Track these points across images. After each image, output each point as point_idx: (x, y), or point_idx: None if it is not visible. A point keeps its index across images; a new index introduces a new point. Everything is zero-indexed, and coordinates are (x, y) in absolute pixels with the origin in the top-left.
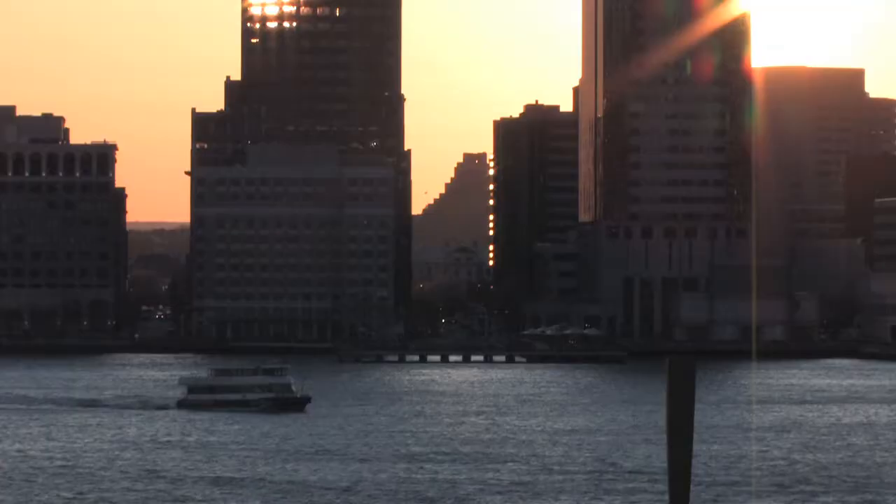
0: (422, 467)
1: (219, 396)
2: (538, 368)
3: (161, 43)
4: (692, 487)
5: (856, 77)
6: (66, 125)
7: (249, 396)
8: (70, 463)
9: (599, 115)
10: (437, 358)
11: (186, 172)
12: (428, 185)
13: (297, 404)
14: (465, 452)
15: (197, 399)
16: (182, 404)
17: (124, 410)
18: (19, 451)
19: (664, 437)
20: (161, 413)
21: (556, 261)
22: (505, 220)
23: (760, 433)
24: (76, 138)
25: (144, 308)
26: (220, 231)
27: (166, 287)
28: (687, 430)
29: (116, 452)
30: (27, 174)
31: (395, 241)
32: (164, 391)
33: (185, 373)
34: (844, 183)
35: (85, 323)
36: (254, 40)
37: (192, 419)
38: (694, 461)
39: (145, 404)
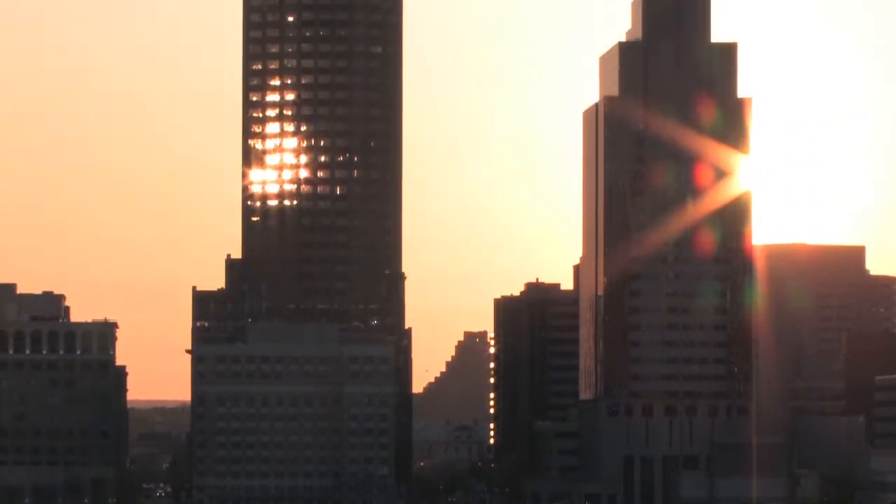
0: None
1: None
2: None
3: (161, 221)
4: None
5: (856, 254)
6: (67, 303)
7: None
8: None
9: (600, 293)
10: None
11: (187, 350)
12: (429, 363)
13: None
14: None
15: None
16: None
17: None
18: None
19: None
20: None
21: (556, 439)
22: (505, 398)
23: None
24: (77, 316)
25: (145, 486)
26: (221, 409)
27: (167, 465)
28: None
29: None
30: (28, 352)
31: (396, 419)
32: None
33: None
34: (845, 360)
35: (86, 501)
36: (254, 218)
37: None
38: None
39: None
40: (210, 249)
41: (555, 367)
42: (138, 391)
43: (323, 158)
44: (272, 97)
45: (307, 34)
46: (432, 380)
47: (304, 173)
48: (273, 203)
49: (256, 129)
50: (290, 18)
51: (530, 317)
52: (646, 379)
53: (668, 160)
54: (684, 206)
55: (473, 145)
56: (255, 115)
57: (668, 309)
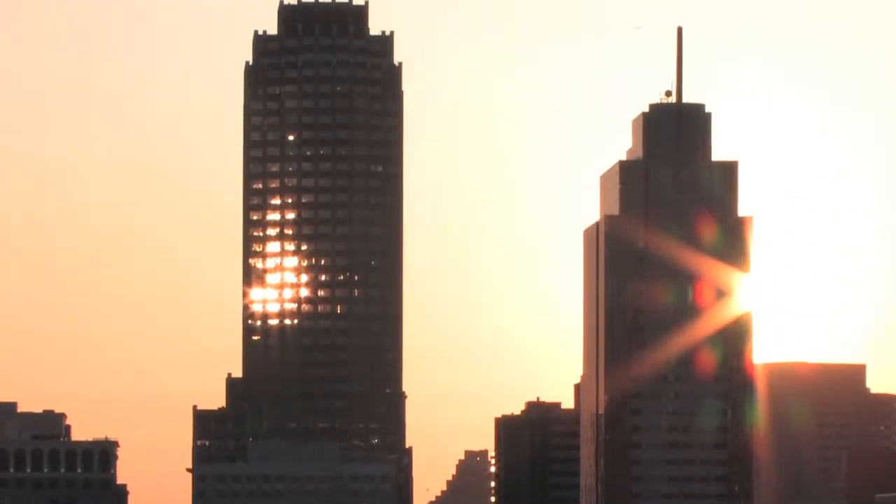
0: None
1: None
2: None
3: (162, 340)
4: None
5: (857, 373)
6: (68, 422)
7: None
8: None
9: (601, 411)
10: None
11: (188, 469)
12: (430, 481)
13: None
14: None
15: None
16: None
17: None
18: None
19: None
20: None
21: None
22: None
23: None
24: (78, 435)
25: None
26: None
27: None
28: None
29: None
30: (29, 470)
31: None
32: None
33: None
34: (846, 479)
35: None
36: (255, 337)
37: None
38: None
39: None
40: (211, 368)
41: (556, 486)
42: None
43: (323, 277)
44: (273, 216)
45: (308, 153)
46: (433, 498)
47: (304, 292)
48: (274, 322)
49: (257, 248)
50: (291, 137)
51: (531, 435)
52: (647, 497)
53: (668, 279)
54: (685, 325)
55: (474, 264)
56: (255, 234)
57: (668, 427)
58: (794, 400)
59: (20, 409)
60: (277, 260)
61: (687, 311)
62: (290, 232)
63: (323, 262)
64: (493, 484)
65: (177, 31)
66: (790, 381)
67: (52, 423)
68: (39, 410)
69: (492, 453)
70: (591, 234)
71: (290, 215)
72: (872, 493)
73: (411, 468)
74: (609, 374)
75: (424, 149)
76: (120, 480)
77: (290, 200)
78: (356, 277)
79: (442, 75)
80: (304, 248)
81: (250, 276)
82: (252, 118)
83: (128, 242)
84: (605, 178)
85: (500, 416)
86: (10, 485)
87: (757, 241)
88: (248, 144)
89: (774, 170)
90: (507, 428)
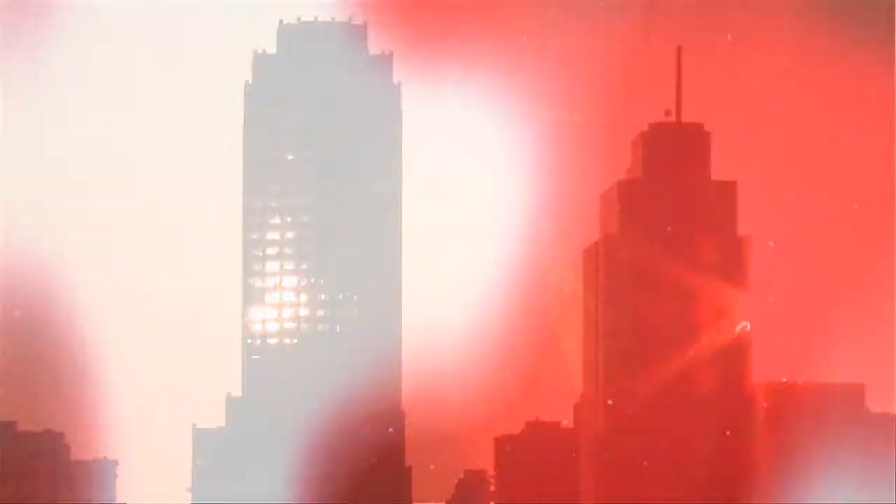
0: None
1: None
2: None
3: (161, 359)
4: None
5: (856, 392)
6: (67, 441)
7: None
8: None
9: (601, 431)
10: None
11: (187, 489)
12: (429, 502)
13: None
14: None
15: None
16: None
17: None
18: None
19: None
20: None
21: None
22: None
23: None
24: (77, 454)
25: None
26: None
27: None
28: None
29: None
30: (29, 490)
31: None
32: None
33: None
34: (845, 498)
35: None
36: (255, 357)
37: None
38: None
39: None
40: (210, 387)
41: None
42: None
43: (323, 297)
44: (272, 235)
45: (307, 172)
46: None
47: (303, 311)
48: (273, 342)
49: (256, 267)
50: (290, 157)
51: (531, 455)
52: None
53: (667, 298)
54: (684, 344)
55: (473, 282)
56: (255, 253)
57: (668, 447)
58: (794, 420)
59: (19, 428)
60: (277, 279)
61: (686, 329)
62: (289, 251)
63: (322, 281)
64: None
65: (175, 50)
66: (790, 400)
67: (52, 443)
68: (39, 430)
69: (491, 473)
70: (591, 254)
71: (290, 234)
72: None
73: (410, 488)
74: (608, 393)
75: (424, 168)
76: (119, 500)
77: (289, 219)
78: (355, 297)
79: (442, 95)
80: (303, 267)
81: (249, 296)
82: (252, 137)
83: (126, 261)
84: (604, 197)
85: (499, 435)
86: None
87: (756, 260)
88: (247, 162)
89: (774, 189)
90: (506, 447)
